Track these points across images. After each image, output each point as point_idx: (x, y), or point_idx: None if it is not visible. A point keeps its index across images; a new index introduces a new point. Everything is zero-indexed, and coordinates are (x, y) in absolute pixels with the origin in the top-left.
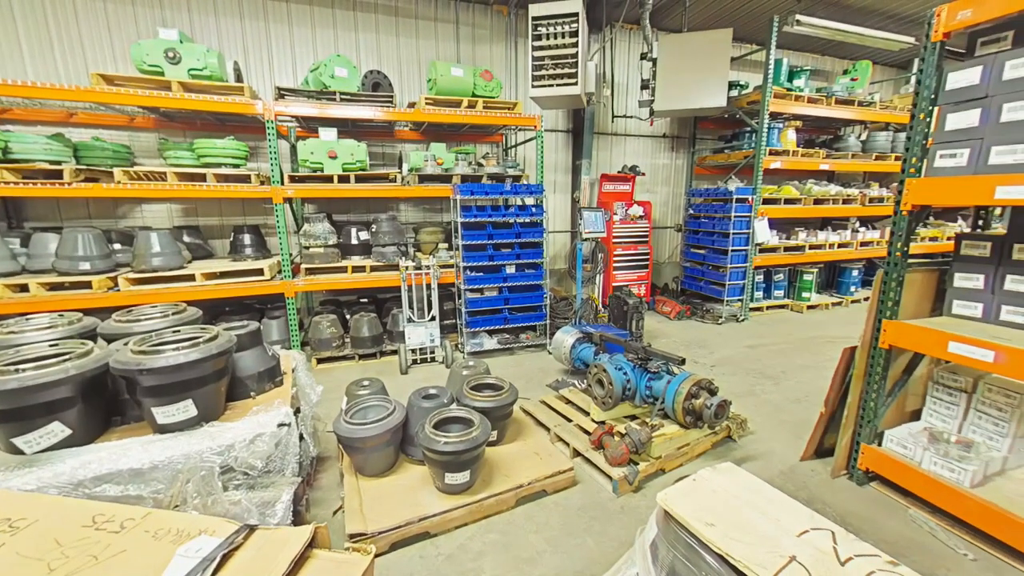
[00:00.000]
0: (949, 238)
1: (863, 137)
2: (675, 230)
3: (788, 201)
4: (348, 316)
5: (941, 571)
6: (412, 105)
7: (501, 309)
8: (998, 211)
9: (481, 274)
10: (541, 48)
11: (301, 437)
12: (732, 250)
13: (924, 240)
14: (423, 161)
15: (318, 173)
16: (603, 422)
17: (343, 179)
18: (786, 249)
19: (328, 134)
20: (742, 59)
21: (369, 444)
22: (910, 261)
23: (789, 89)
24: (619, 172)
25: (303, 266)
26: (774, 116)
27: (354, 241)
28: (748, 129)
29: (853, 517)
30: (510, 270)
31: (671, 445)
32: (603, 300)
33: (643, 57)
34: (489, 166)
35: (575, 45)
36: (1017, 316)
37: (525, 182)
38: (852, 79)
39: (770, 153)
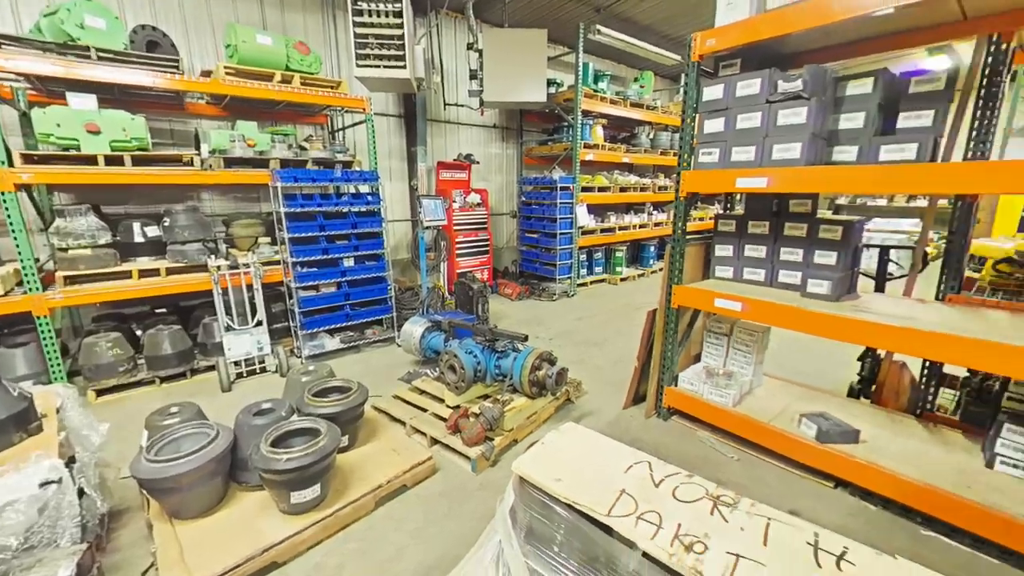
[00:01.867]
0: (711, 218)
1: (651, 136)
2: (511, 216)
3: (601, 189)
4: (140, 332)
5: (720, 473)
6: (207, 74)
7: (342, 306)
8: (739, 196)
9: (315, 269)
10: (363, 25)
11: (82, 492)
12: (560, 233)
13: (698, 220)
14: (229, 141)
15: (72, 152)
16: (458, 406)
17: (114, 161)
18: (602, 231)
19: (83, 101)
20: (557, 59)
21: (185, 481)
22: (688, 237)
23: (595, 90)
24: (455, 160)
25: (60, 274)
26: (585, 113)
27: (139, 239)
28: (566, 124)
29: (663, 447)
30: (349, 263)
31: (521, 416)
32: (449, 287)
33: (470, 47)
34: (314, 150)
35: (400, 26)
36: (754, 275)
37: (357, 168)
38: (640, 86)
39: (585, 146)
